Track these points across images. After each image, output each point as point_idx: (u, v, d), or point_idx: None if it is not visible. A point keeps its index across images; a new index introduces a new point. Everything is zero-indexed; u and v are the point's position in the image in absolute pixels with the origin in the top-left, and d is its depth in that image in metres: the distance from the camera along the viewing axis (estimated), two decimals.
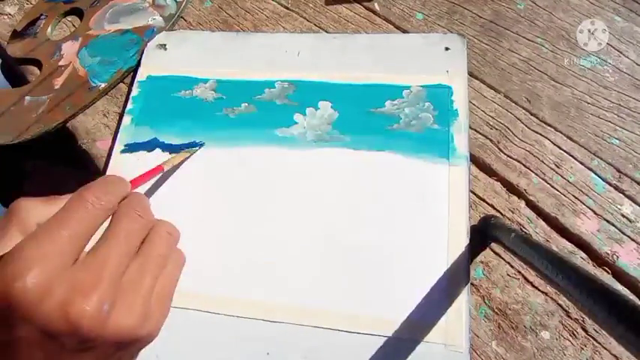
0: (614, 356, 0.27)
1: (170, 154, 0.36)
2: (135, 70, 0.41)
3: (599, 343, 0.28)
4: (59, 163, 0.39)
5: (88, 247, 0.22)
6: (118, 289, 0.21)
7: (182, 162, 0.35)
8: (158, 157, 0.36)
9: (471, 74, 0.37)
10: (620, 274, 0.29)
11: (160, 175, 0.33)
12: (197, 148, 0.36)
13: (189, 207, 0.34)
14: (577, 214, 0.31)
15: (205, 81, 0.39)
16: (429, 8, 0.41)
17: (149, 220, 0.25)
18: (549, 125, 0.35)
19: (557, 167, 0.33)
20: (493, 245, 0.31)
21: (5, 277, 0.19)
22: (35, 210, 0.23)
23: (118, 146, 0.37)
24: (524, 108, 0.36)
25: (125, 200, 0.25)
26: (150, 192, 0.35)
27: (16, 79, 0.45)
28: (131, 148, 0.37)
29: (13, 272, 0.19)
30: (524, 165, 0.33)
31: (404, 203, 0.32)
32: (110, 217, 0.23)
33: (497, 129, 0.35)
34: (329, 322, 0.29)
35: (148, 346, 0.30)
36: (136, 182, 0.29)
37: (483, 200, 0.32)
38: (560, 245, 0.31)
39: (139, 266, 0.23)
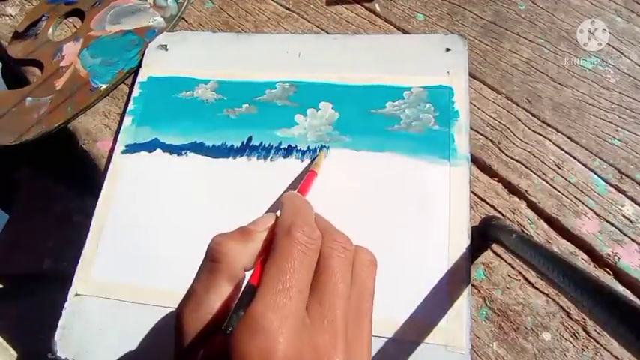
0: (616, 357, 0.27)
1: (171, 154, 0.36)
2: (136, 71, 0.41)
3: (601, 345, 0.27)
4: (50, 171, 0.39)
5: None
6: (349, 345, 0.19)
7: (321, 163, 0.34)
8: (159, 157, 0.36)
9: (471, 75, 0.37)
10: (621, 275, 0.29)
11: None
12: (326, 148, 0.35)
13: (190, 208, 0.34)
14: (578, 215, 0.31)
15: (206, 82, 0.39)
16: (430, 9, 0.41)
17: (352, 251, 0.22)
18: (550, 126, 0.35)
19: (558, 168, 0.33)
20: (494, 246, 0.31)
21: (254, 352, 0.16)
22: (238, 252, 0.21)
23: (119, 147, 0.37)
24: (525, 109, 0.36)
25: (322, 229, 0.21)
26: (151, 193, 0.35)
27: (18, 80, 0.45)
28: (132, 149, 0.37)
29: (262, 348, 0.17)
30: (525, 166, 0.33)
31: (404, 204, 0.32)
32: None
33: (498, 130, 0.35)
34: None
35: (147, 347, 0.30)
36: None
37: (484, 201, 0.32)
38: (561, 246, 0.31)
39: (357, 311, 0.20)
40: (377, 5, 0.42)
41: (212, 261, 0.20)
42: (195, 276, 0.21)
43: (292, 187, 0.34)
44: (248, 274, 0.21)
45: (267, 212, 0.33)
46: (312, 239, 0.20)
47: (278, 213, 0.23)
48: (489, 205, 0.32)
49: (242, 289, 0.20)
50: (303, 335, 0.18)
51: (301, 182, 0.30)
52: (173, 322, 0.30)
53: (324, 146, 0.35)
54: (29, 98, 0.42)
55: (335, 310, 0.19)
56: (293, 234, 0.20)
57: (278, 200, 0.33)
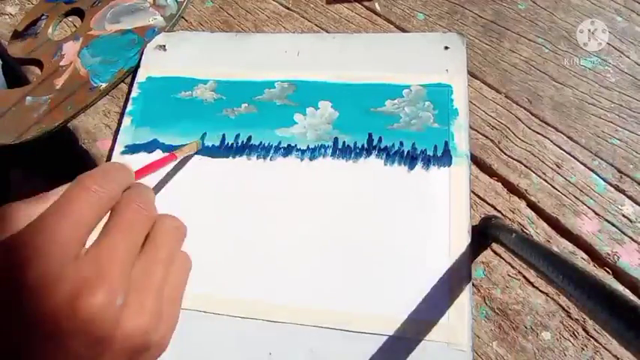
0: (615, 357, 0.27)
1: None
2: (135, 70, 0.41)
3: (600, 344, 0.27)
4: (49, 171, 0.39)
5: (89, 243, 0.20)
6: (128, 284, 0.19)
7: (192, 153, 0.35)
8: (158, 158, 0.36)
9: (472, 74, 0.37)
10: (621, 275, 0.29)
11: (171, 165, 0.32)
12: (200, 140, 0.36)
13: (190, 207, 0.34)
14: (578, 214, 0.31)
15: (205, 82, 0.39)
16: (430, 8, 0.41)
17: (151, 214, 0.23)
18: (550, 125, 0.35)
19: (558, 167, 0.33)
20: (494, 245, 0.31)
21: (5, 275, 0.17)
22: (25, 211, 0.20)
23: (118, 147, 0.37)
24: (525, 108, 0.36)
25: (128, 192, 0.22)
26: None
27: (17, 80, 0.45)
28: (131, 149, 0.37)
29: (13, 268, 0.17)
30: (525, 165, 0.33)
31: (405, 203, 0.32)
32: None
33: (498, 129, 0.35)
34: (332, 321, 0.29)
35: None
36: (143, 172, 0.27)
37: (484, 200, 0.32)
38: (561, 246, 0.31)
39: (146, 262, 0.21)
40: (377, 4, 0.42)
41: None
42: None
43: (292, 185, 0.34)
44: None
45: (269, 212, 0.33)
46: (103, 189, 0.20)
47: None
48: (489, 204, 0.32)
49: None
50: (68, 266, 0.18)
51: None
52: (178, 322, 0.30)
53: (202, 137, 0.36)
54: (29, 97, 0.42)
55: (113, 251, 0.19)
56: (83, 181, 0.20)
57: (278, 200, 0.33)
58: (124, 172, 0.24)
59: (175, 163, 0.33)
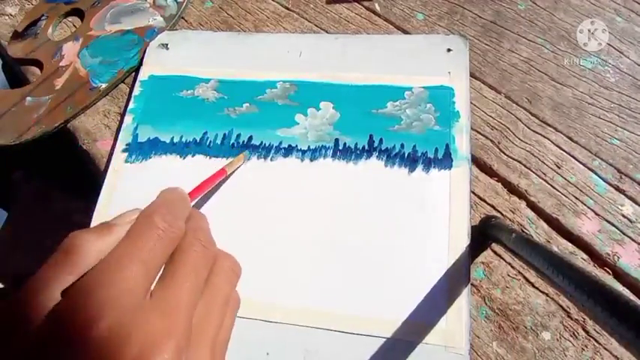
0: (615, 357, 0.27)
1: (171, 153, 0.36)
2: (136, 69, 0.41)
3: (600, 344, 0.28)
4: (50, 171, 0.39)
5: None
6: (190, 335, 0.18)
7: (239, 166, 0.35)
8: (159, 156, 0.36)
9: (471, 75, 0.37)
10: (621, 275, 0.29)
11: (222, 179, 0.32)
12: (248, 152, 0.35)
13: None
14: (578, 214, 0.31)
15: (207, 81, 0.39)
16: (430, 9, 0.41)
17: (214, 253, 0.22)
18: (550, 126, 0.35)
19: (558, 168, 0.33)
20: (494, 246, 0.31)
21: (79, 324, 0.15)
22: (93, 244, 0.19)
23: (119, 146, 0.37)
24: (524, 108, 0.36)
25: (189, 226, 0.21)
26: (151, 192, 0.35)
27: (17, 80, 0.45)
28: (132, 147, 0.37)
29: (86, 318, 0.16)
30: (524, 165, 0.33)
31: (405, 204, 0.32)
32: None
33: (497, 129, 0.35)
34: (329, 323, 0.29)
35: None
36: (196, 193, 0.27)
37: (484, 201, 0.32)
38: (561, 246, 0.31)
39: (205, 308, 0.20)
40: (377, 5, 0.42)
41: (63, 252, 0.19)
42: (42, 267, 0.19)
43: (293, 186, 0.34)
44: None
45: (268, 212, 0.33)
46: (172, 228, 0.20)
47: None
48: (489, 204, 0.32)
49: None
50: (138, 315, 0.17)
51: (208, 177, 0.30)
52: None
53: (246, 149, 0.35)
54: (29, 98, 0.42)
55: (179, 300, 0.18)
56: (152, 218, 0.19)
57: (278, 200, 0.33)
58: (185, 202, 0.23)
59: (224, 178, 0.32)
